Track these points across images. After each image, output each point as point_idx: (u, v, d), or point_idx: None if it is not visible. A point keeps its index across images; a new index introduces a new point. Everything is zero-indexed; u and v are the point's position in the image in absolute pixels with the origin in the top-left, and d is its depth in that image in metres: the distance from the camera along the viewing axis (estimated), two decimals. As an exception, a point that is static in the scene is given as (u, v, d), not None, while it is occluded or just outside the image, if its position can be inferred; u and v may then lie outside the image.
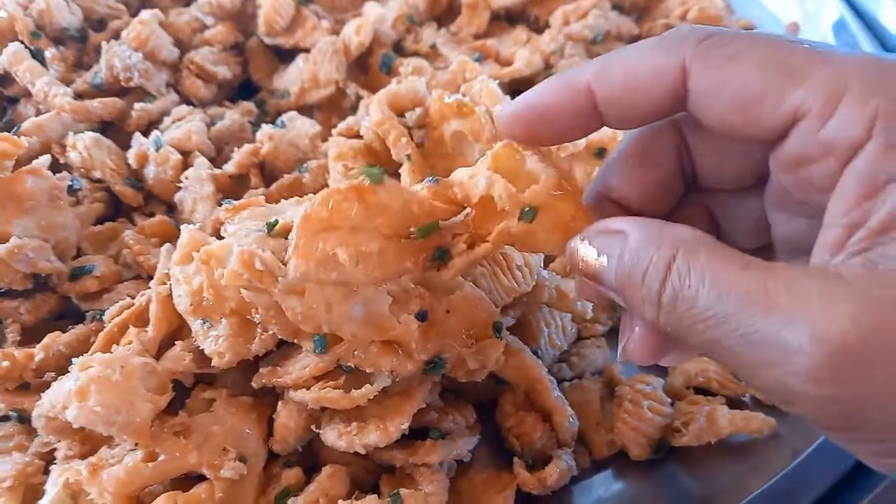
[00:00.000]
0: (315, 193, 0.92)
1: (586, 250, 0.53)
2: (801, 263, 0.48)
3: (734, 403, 0.86)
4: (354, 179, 0.61)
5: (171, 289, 0.77)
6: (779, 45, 0.47)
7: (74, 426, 0.68)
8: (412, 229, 0.62)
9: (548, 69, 1.18)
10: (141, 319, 0.80)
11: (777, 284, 0.42)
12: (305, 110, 1.15)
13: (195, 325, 0.74)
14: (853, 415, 0.41)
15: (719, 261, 0.45)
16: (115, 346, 0.77)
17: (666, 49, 0.51)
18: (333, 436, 0.72)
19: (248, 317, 0.71)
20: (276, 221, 0.69)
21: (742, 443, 0.82)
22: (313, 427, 0.74)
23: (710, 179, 0.60)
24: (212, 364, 0.73)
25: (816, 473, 0.74)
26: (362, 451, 0.71)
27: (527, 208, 0.57)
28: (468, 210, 0.61)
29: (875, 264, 0.42)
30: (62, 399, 0.68)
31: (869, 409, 0.40)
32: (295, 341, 0.70)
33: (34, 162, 0.92)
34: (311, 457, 0.80)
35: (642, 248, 0.48)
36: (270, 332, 0.71)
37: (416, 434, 0.75)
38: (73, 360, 0.78)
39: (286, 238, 0.67)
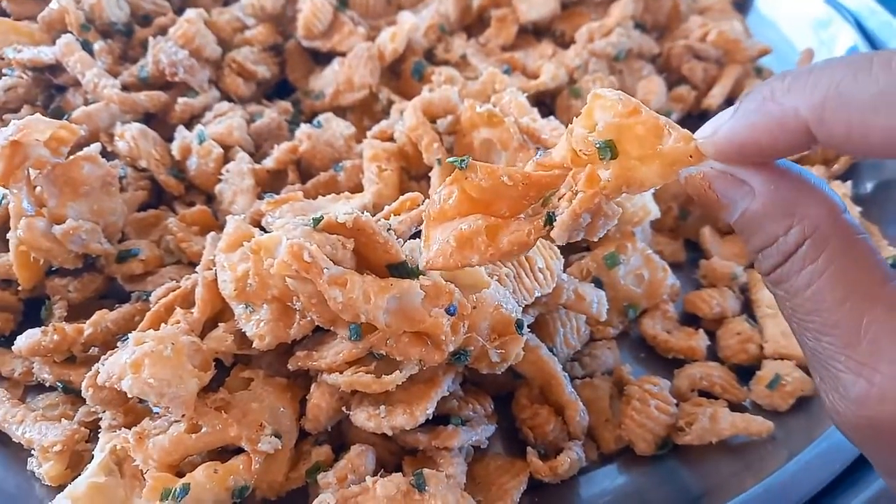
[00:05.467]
0: (349, 191, 0.98)
1: (707, 187, 0.51)
2: None
3: (736, 408, 0.90)
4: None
5: (216, 274, 0.83)
6: None
7: (129, 396, 0.73)
8: (527, 203, 0.60)
9: (571, 83, 1.23)
10: (186, 301, 0.86)
11: (867, 330, 0.45)
12: (338, 112, 1.20)
13: (238, 308, 0.80)
14: (866, 453, 0.49)
15: (838, 268, 0.46)
16: (162, 324, 0.82)
17: None
18: (363, 417, 0.77)
19: (289, 303, 0.76)
20: (321, 217, 0.74)
21: (741, 444, 0.87)
22: (343, 408, 0.79)
23: None
24: (252, 346, 0.78)
25: (809, 474, 0.79)
26: (390, 433, 0.76)
27: (599, 143, 0.53)
28: (571, 171, 0.58)
29: None
30: (118, 370, 0.73)
31: (876, 456, 0.49)
32: (332, 328, 0.75)
33: (87, 149, 0.96)
34: (339, 437, 0.85)
35: (769, 217, 0.48)
36: (308, 319, 0.76)
37: (438, 420, 0.80)
38: (123, 335, 0.84)
39: (330, 233, 0.72)
